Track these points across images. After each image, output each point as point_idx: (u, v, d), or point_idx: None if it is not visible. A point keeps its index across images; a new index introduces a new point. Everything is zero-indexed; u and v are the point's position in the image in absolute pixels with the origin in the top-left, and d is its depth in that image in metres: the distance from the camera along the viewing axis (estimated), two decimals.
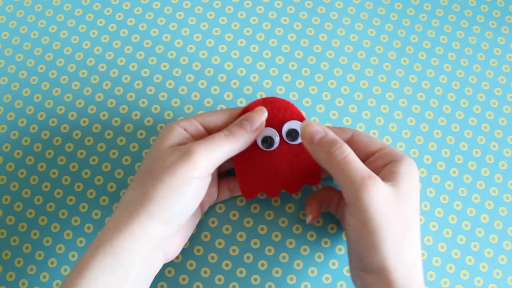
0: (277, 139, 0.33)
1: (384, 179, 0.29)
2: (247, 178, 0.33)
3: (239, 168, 0.33)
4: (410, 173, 0.30)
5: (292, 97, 0.39)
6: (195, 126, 0.32)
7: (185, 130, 0.32)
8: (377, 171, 0.30)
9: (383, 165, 0.31)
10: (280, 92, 0.39)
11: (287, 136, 0.33)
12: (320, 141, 0.29)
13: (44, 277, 0.36)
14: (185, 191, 0.29)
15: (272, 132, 0.33)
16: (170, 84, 0.39)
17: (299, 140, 0.33)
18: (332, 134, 0.30)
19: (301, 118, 0.33)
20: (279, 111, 0.33)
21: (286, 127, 0.33)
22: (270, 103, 0.33)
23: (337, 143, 0.29)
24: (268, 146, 0.33)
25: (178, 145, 0.31)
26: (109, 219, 0.29)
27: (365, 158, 0.32)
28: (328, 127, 0.32)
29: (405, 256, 0.29)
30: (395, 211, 0.28)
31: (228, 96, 0.39)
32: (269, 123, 0.33)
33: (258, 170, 0.33)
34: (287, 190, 0.34)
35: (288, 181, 0.33)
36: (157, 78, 0.39)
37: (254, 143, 0.33)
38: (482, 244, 0.37)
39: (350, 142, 0.32)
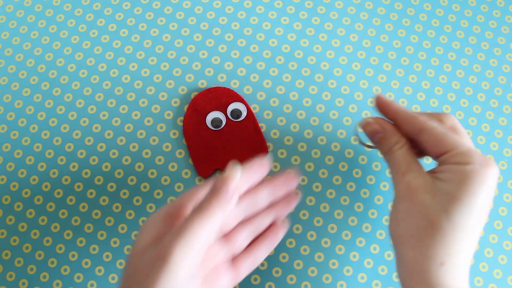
0: (224, 119, 0.37)
1: (435, 175, 0.30)
2: (201, 158, 0.37)
3: (193, 150, 0.37)
4: (466, 176, 0.28)
5: (292, 97, 0.39)
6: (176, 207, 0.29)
7: (166, 215, 0.29)
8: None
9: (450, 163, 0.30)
10: (280, 92, 0.39)
11: (231, 115, 0.38)
12: (378, 140, 0.32)
13: (44, 277, 0.36)
14: None
15: (219, 114, 0.38)
16: (170, 84, 0.39)
17: (242, 117, 0.38)
18: (390, 132, 0.32)
19: (241, 100, 0.38)
20: (222, 96, 0.38)
21: (230, 108, 0.38)
22: (213, 91, 0.38)
23: (392, 142, 0.31)
24: (217, 126, 0.37)
25: (154, 242, 0.28)
26: None
27: (437, 155, 0.30)
28: (402, 113, 0.32)
29: (428, 252, 0.28)
30: (425, 206, 0.29)
31: None
32: (215, 107, 0.38)
33: (210, 149, 0.37)
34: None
35: (239, 154, 0.37)
36: (157, 78, 0.39)
37: (205, 125, 0.37)
38: (482, 244, 0.37)
39: (420, 138, 0.31)
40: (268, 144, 0.38)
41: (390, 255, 0.37)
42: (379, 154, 0.38)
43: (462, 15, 0.41)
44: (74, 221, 0.37)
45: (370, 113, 0.39)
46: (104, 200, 0.37)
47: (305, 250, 0.37)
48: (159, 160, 0.38)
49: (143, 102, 0.39)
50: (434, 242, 0.28)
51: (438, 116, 0.31)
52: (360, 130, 0.33)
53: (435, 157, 0.30)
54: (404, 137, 0.31)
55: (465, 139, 0.31)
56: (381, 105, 0.32)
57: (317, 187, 0.37)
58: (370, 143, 0.34)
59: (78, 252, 0.36)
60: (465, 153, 0.29)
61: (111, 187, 0.37)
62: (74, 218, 0.37)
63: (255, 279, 0.36)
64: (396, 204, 0.30)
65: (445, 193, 0.28)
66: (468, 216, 0.28)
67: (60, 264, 0.36)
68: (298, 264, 0.36)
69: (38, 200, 0.37)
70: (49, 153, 0.38)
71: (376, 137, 0.32)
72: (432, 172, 0.30)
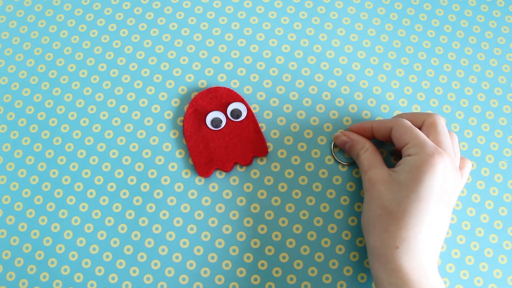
0: (224, 119, 0.37)
1: (393, 170, 0.33)
2: (201, 159, 0.37)
3: (193, 150, 0.37)
4: (414, 165, 0.31)
5: (292, 97, 0.39)
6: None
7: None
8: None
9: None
10: (280, 92, 0.39)
11: (231, 115, 0.38)
12: (348, 148, 0.37)
13: (44, 277, 0.36)
14: None
15: (219, 114, 0.38)
16: (170, 84, 0.39)
17: (242, 117, 0.38)
18: (355, 140, 0.36)
19: (241, 100, 0.38)
20: (222, 96, 0.38)
21: (230, 108, 0.38)
22: (213, 91, 0.38)
23: (358, 148, 0.36)
24: (217, 126, 0.37)
25: None
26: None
27: (400, 148, 0.34)
28: (375, 121, 0.36)
29: (384, 238, 0.31)
30: (380, 196, 0.32)
31: None
32: (215, 107, 0.38)
33: (211, 149, 0.37)
34: (240, 163, 0.37)
35: (239, 154, 0.37)
36: (157, 78, 0.39)
37: (205, 125, 0.37)
38: (482, 244, 0.37)
39: (391, 135, 0.35)
40: (268, 144, 0.38)
41: None
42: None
43: (462, 15, 0.41)
44: (74, 221, 0.37)
45: (369, 113, 0.39)
46: (104, 200, 0.37)
47: (305, 250, 0.37)
48: (159, 160, 0.38)
49: (143, 102, 0.39)
50: (388, 228, 0.31)
51: (422, 116, 0.34)
52: (334, 148, 0.38)
53: (401, 147, 0.34)
54: (370, 142, 0.36)
55: (440, 137, 0.33)
56: (358, 131, 0.37)
57: (317, 187, 0.37)
58: (344, 161, 0.38)
59: (78, 252, 0.36)
60: (417, 145, 0.32)
61: (111, 187, 0.37)
62: (74, 218, 0.37)
63: (255, 279, 0.36)
64: (364, 198, 0.34)
65: (396, 182, 0.32)
66: (417, 202, 0.31)
67: (60, 264, 0.36)
68: (298, 264, 0.36)
69: (38, 200, 0.37)
70: (49, 153, 0.38)
71: (346, 147, 0.37)
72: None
